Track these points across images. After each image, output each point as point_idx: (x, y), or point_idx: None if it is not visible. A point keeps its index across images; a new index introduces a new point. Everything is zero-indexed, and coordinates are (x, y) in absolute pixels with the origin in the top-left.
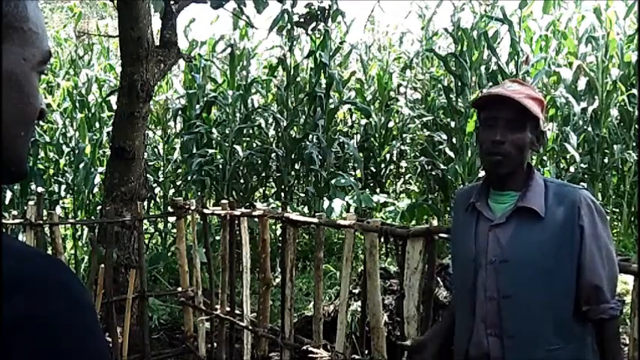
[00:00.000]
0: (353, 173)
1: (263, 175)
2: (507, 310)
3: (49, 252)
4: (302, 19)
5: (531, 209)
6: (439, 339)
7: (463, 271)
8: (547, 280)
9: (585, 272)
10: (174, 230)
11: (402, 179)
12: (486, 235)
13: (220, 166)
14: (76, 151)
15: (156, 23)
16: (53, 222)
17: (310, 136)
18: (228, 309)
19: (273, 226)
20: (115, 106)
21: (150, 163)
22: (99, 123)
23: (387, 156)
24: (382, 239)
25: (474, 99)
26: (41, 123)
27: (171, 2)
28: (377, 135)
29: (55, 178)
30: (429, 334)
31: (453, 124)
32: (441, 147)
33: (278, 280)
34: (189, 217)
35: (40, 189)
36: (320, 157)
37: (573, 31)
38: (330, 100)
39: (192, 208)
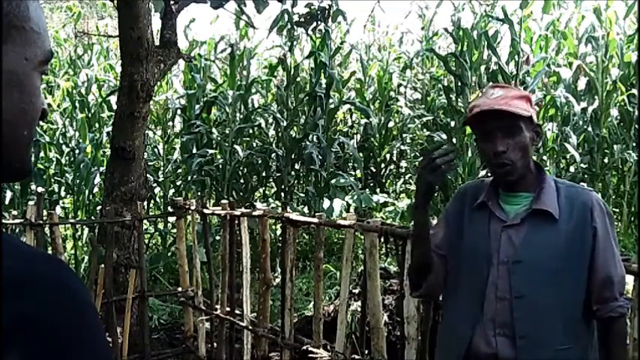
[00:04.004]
0: (353, 173)
1: (263, 175)
2: (520, 311)
3: (49, 252)
4: (302, 19)
5: (546, 211)
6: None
7: (472, 269)
8: (559, 280)
9: (599, 272)
10: (174, 230)
11: (402, 179)
12: (499, 235)
13: (220, 166)
14: (76, 151)
15: (156, 23)
16: (53, 222)
17: (310, 136)
18: (228, 309)
19: (273, 226)
20: (115, 106)
21: (150, 163)
22: (99, 123)
23: (387, 156)
24: (382, 239)
25: (463, 121)
26: (41, 123)
27: (171, 2)
28: (377, 135)
29: (55, 178)
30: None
31: (453, 124)
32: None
33: (278, 280)
34: (189, 217)
35: (40, 189)
36: (320, 157)
37: (573, 31)
38: (330, 100)
39: (192, 208)
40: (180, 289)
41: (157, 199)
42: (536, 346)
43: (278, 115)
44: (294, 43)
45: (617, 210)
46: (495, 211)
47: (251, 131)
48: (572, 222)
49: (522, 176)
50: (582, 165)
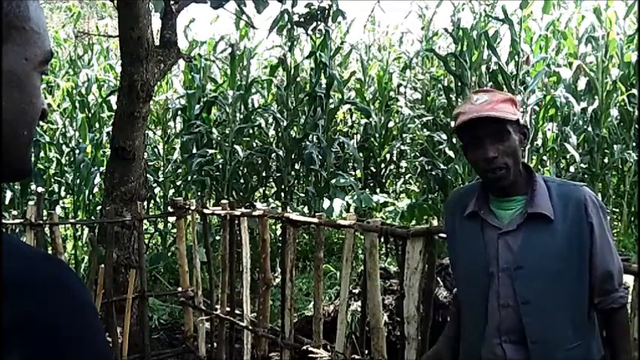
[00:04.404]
0: (353, 173)
1: (263, 175)
2: (529, 316)
3: (49, 252)
4: (302, 19)
5: (541, 214)
6: (449, 351)
7: (472, 280)
8: (563, 281)
9: (598, 268)
10: (174, 230)
11: (402, 179)
12: (495, 242)
13: (220, 166)
14: (76, 151)
15: (156, 23)
16: (53, 222)
17: (310, 136)
18: (228, 309)
19: (273, 226)
20: (115, 106)
21: (150, 163)
22: (99, 123)
23: (387, 156)
24: (382, 239)
25: (453, 128)
26: (41, 123)
27: (171, 2)
28: (377, 135)
29: (55, 178)
30: (438, 349)
31: (453, 124)
32: (441, 147)
33: (278, 280)
34: (189, 217)
35: (40, 189)
36: (320, 157)
37: (573, 31)
38: (330, 100)
39: (192, 208)
40: (180, 289)
41: (157, 199)
42: (549, 349)
43: (278, 115)
44: (294, 43)
45: (617, 210)
46: (488, 219)
47: (251, 131)
48: (568, 221)
49: (514, 180)
50: (582, 165)
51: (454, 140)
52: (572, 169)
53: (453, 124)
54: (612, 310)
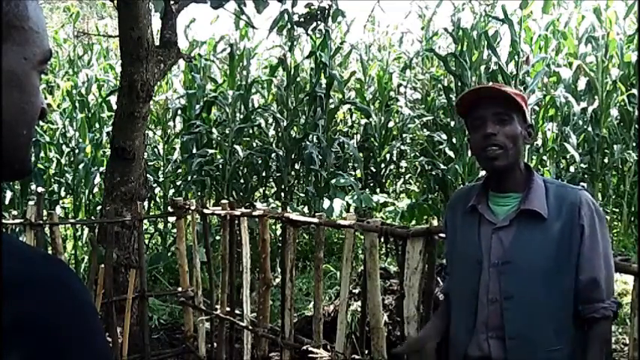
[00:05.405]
0: (353, 173)
1: (263, 175)
2: (509, 311)
3: (49, 252)
4: (302, 19)
5: (534, 211)
6: (438, 335)
7: (464, 273)
8: (549, 281)
9: (584, 270)
10: (175, 230)
11: (402, 179)
12: (489, 237)
13: (220, 166)
14: (76, 151)
15: (156, 23)
16: (53, 222)
17: (310, 136)
18: (228, 309)
19: (273, 226)
20: (115, 106)
21: (150, 163)
22: (99, 123)
23: (387, 156)
24: (382, 239)
25: (456, 102)
26: (41, 123)
27: (171, 2)
28: (377, 135)
29: (55, 178)
30: (427, 330)
31: (452, 124)
32: (441, 147)
33: (278, 280)
34: (189, 217)
35: (40, 189)
36: (320, 157)
37: (573, 31)
38: (330, 100)
39: (192, 208)
40: (180, 289)
41: (157, 199)
42: (527, 347)
43: (278, 115)
44: (294, 43)
45: (617, 210)
46: (485, 214)
47: (251, 131)
48: (561, 221)
49: (511, 168)
50: (582, 165)
51: (454, 140)
52: (572, 169)
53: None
54: (593, 319)
